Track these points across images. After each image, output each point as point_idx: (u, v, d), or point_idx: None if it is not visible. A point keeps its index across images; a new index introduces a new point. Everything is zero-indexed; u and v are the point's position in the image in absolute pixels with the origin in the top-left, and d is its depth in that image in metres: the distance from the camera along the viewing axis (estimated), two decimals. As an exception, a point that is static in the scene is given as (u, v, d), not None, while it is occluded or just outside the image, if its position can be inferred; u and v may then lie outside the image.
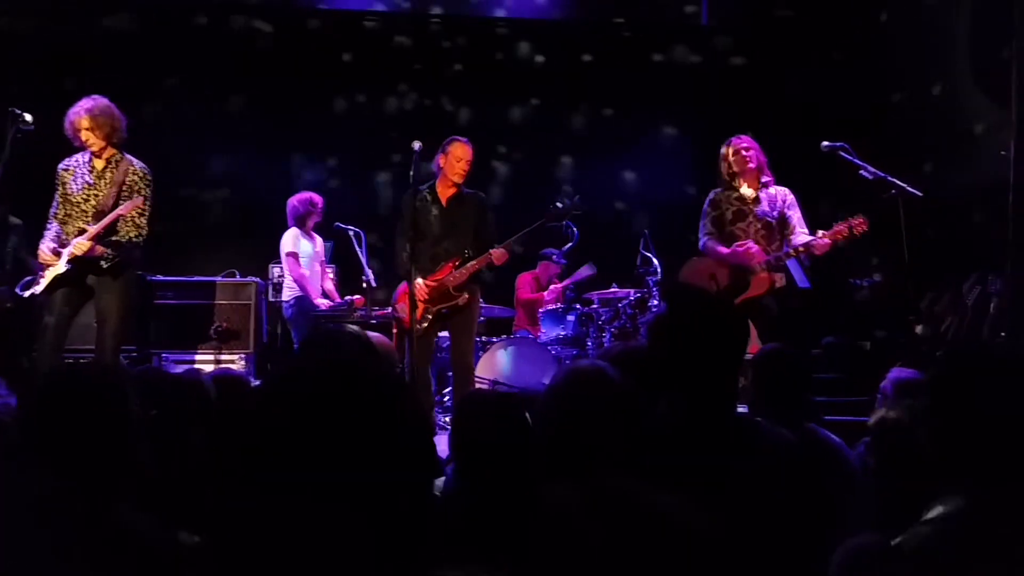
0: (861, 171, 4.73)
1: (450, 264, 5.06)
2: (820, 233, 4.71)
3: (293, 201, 6.49)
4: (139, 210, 4.70)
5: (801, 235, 4.87)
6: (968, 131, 6.61)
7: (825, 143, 4.87)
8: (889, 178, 4.66)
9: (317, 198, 6.52)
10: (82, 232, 4.60)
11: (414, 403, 1.06)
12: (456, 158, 5.05)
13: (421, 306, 4.99)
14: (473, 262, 5.02)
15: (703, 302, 1.92)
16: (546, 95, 8.51)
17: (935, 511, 1.37)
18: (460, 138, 5.15)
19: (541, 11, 8.41)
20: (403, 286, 5.16)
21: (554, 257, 7.39)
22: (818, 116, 7.23)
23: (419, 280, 4.96)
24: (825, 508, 1.78)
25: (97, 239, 4.57)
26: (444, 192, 5.13)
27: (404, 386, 1.09)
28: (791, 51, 8.08)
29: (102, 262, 4.61)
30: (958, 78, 6.76)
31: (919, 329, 5.84)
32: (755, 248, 4.81)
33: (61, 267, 4.59)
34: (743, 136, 5.03)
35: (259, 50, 8.04)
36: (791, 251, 4.78)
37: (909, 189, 4.62)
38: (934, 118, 6.96)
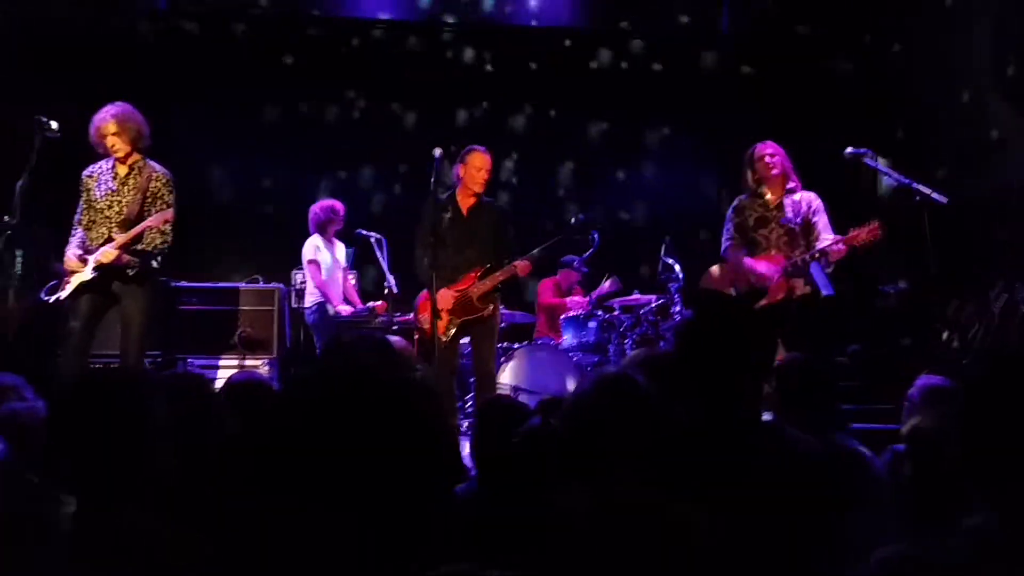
0: (885, 178, 4.68)
1: (472, 274, 5.07)
2: (835, 238, 4.69)
3: (315, 208, 6.53)
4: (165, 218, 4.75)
5: (825, 241, 4.83)
6: (993, 137, 6.54)
7: (849, 149, 4.82)
8: (914, 184, 4.61)
9: (338, 205, 6.56)
10: (109, 240, 4.65)
11: (433, 408, 1.05)
12: (476, 168, 5.07)
13: (446, 317, 4.98)
14: (497, 274, 5.04)
15: (730, 308, 1.91)
16: (547, 101, 8.53)
17: (969, 521, 1.34)
18: (478, 147, 5.15)
19: (548, 19, 8.41)
20: (424, 294, 5.15)
21: (575, 264, 7.37)
22: (837, 121, 7.21)
23: (443, 289, 4.97)
24: (849, 518, 1.75)
25: (124, 248, 4.62)
26: (464, 201, 5.15)
27: (423, 391, 1.08)
28: (806, 54, 8.06)
29: (128, 270, 4.65)
30: (982, 84, 6.69)
31: (946, 336, 5.81)
32: (773, 273, 4.77)
33: (87, 274, 4.63)
34: (768, 142, 4.99)
35: (286, 58, 8.11)
36: (808, 256, 4.72)
37: (934, 196, 4.55)
38: (958, 125, 6.89)
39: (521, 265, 5.05)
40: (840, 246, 4.62)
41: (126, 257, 4.62)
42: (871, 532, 1.73)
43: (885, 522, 1.83)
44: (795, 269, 4.76)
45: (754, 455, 1.75)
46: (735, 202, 5.06)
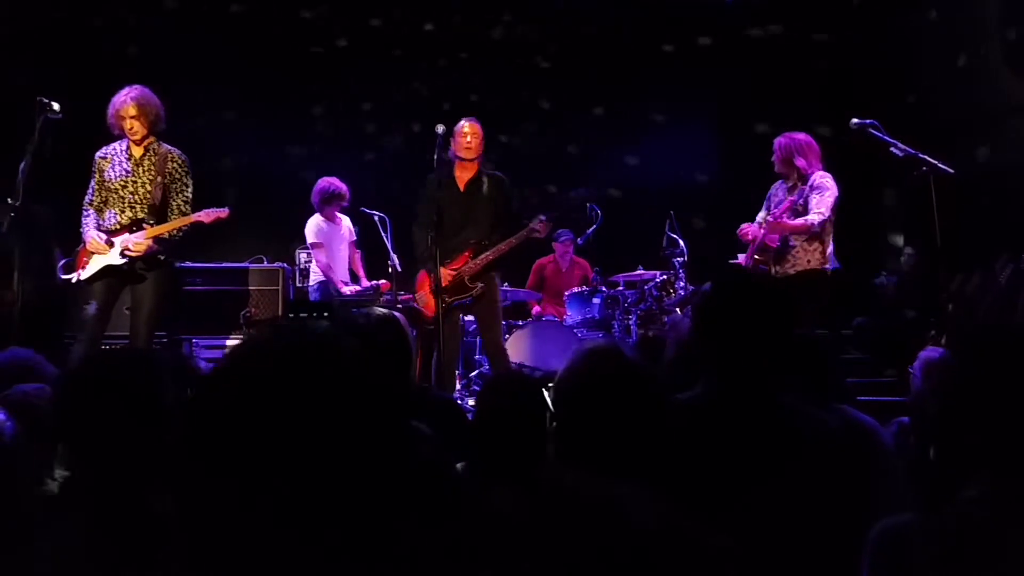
0: (891, 148, 4.69)
1: (467, 253, 5.07)
2: (770, 216, 4.97)
3: (316, 186, 6.52)
4: (186, 199, 4.76)
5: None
6: (997, 108, 6.50)
7: (855, 120, 4.83)
8: (920, 155, 4.61)
9: (339, 183, 6.53)
10: (134, 223, 4.64)
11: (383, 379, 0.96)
12: (461, 134, 5.09)
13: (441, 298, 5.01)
14: (488, 253, 5.05)
15: (747, 281, 1.90)
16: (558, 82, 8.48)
17: (966, 493, 1.35)
18: (470, 119, 5.18)
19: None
20: (423, 274, 5.20)
21: (563, 239, 7.45)
22: (849, 93, 7.16)
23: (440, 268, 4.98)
24: (863, 491, 1.75)
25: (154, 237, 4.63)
26: (461, 176, 5.15)
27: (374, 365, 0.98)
28: (815, 32, 7.98)
29: (160, 256, 4.69)
30: (987, 56, 6.64)
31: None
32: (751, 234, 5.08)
33: (115, 259, 4.63)
34: (781, 136, 5.12)
35: (269, 37, 8.06)
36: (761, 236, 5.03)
37: (940, 166, 4.56)
38: (963, 96, 6.84)
39: (540, 226, 5.07)
40: (771, 221, 4.91)
41: (155, 246, 4.65)
42: (881, 504, 1.74)
43: (897, 494, 1.83)
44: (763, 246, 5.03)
45: (769, 430, 1.75)
46: (773, 186, 5.28)
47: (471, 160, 5.11)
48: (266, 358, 0.91)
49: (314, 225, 6.45)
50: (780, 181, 5.19)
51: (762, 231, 4.99)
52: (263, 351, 0.93)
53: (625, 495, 1.20)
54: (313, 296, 6.45)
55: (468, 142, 5.08)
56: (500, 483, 1.65)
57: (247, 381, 0.89)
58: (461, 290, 5.05)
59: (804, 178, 4.99)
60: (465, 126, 5.12)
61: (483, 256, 5.04)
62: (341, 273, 6.49)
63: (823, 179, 4.95)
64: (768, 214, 5.11)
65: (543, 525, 1.14)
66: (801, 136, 5.07)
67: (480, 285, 5.06)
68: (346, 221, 6.66)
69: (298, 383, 0.88)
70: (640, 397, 1.57)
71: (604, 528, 1.13)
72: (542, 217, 5.08)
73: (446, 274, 5.00)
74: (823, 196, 4.90)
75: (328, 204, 6.47)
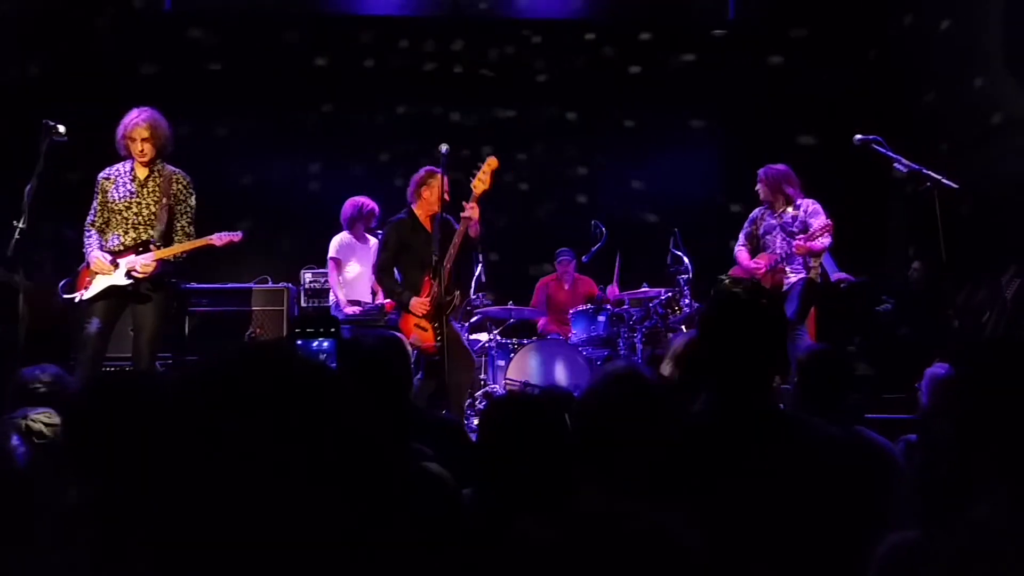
0: (895, 164, 4.69)
1: (427, 278, 5.09)
2: (799, 238, 5.29)
3: (346, 204, 6.52)
4: (190, 219, 4.78)
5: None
6: (1003, 121, 6.48)
7: (858, 136, 4.86)
8: (924, 170, 4.61)
9: (367, 202, 6.51)
10: (140, 244, 4.65)
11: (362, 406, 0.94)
12: (441, 190, 5.07)
13: (429, 327, 5.06)
14: (445, 262, 5.02)
15: (745, 294, 1.89)
16: (568, 98, 8.50)
17: (976, 512, 1.33)
18: (437, 169, 5.15)
19: (558, 11, 8.41)
20: (404, 318, 5.22)
21: (561, 258, 7.44)
22: (850, 110, 7.17)
23: (414, 299, 5.08)
24: (873, 508, 1.74)
25: (162, 259, 4.65)
26: (424, 219, 5.24)
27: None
28: (818, 48, 7.99)
29: (165, 278, 4.71)
30: (992, 68, 6.64)
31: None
32: (759, 267, 5.49)
33: (121, 279, 4.64)
34: (764, 168, 5.58)
35: (283, 58, 8.10)
36: (780, 256, 5.41)
37: (945, 181, 4.56)
38: (968, 109, 6.84)
39: (468, 207, 5.02)
40: (800, 243, 5.25)
41: (161, 268, 4.67)
42: (891, 522, 1.73)
43: (906, 510, 1.82)
44: (777, 264, 5.42)
45: (775, 444, 1.73)
46: (752, 213, 5.75)
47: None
48: (224, 382, 0.90)
49: (336, 241, 6.45)
50: (763, 208, 5.65)
51: (780, 253, 5.40)
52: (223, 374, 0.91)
53: (670, 522, 1.18)
54: (334, 313, 6.44)
55: (447, 199, 5.09)
56: (523, 510, 1.63)
57: (207, 404, 0.88)
58: (443, 308, 5.03)
59: (791, 203, 5.47)
60: (440, 182, 5.08)
61: (444, 271, 5.02)
62: (357, 292, 6.47)
63: (815, 205, 5.43)
64: (761, 239, 5.61)
65: (586, 555, 1.11)
66: (782, 167, 5.56)
67: (457, 292, 5.13)
68: (373, 242, 6.64)
69: (254, 406, 0.86)
70: (662, 417, 1.57)
71: (653, 556, 1.11)
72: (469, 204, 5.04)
73: (425, 302, 5.05)
74: (821, 220, 5.30)
75: (357, 221, 6.47)
